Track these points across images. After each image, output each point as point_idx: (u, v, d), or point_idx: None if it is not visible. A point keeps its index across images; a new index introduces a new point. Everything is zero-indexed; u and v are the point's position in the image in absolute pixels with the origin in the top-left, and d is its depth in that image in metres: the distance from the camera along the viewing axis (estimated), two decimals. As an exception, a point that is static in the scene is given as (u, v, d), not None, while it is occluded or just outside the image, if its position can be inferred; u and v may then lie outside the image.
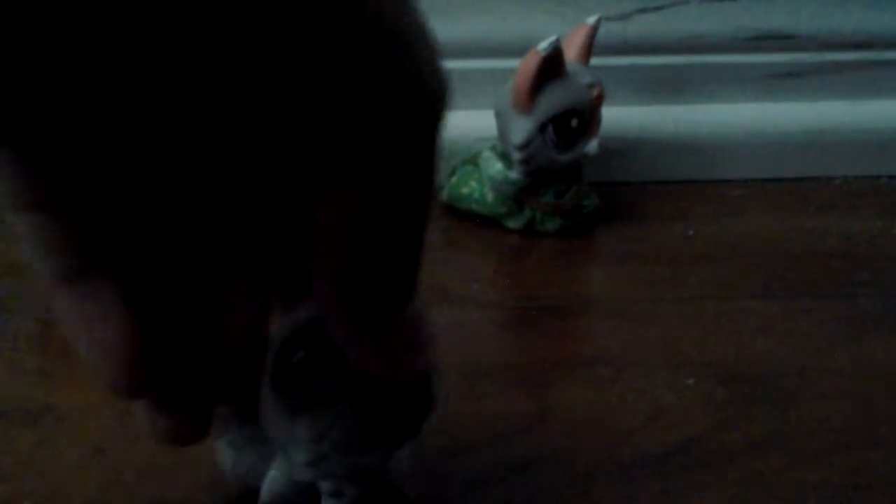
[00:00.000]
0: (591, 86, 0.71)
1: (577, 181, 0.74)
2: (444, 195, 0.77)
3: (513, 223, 0.74)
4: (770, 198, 0.81)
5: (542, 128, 0.70)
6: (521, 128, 0.70)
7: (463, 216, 0.76)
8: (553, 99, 0.69)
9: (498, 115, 0.72)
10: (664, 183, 0.83)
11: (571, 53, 0.71)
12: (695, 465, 0.51)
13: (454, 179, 0.76)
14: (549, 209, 0.74)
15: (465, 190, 0.75)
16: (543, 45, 0.68)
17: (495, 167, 0.73)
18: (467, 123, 0.79)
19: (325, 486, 0.42)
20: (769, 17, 0.81)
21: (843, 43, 0.83)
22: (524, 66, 0.69)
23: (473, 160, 0.76)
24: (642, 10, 0.80)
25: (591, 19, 0.72)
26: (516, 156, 0.71)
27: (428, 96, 0.28)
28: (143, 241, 0.29)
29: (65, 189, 0.27)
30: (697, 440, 0.53)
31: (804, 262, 0.71)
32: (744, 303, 0.66)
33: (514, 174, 0.72)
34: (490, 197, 0.74)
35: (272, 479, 0.43)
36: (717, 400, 0.56)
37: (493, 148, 0.74)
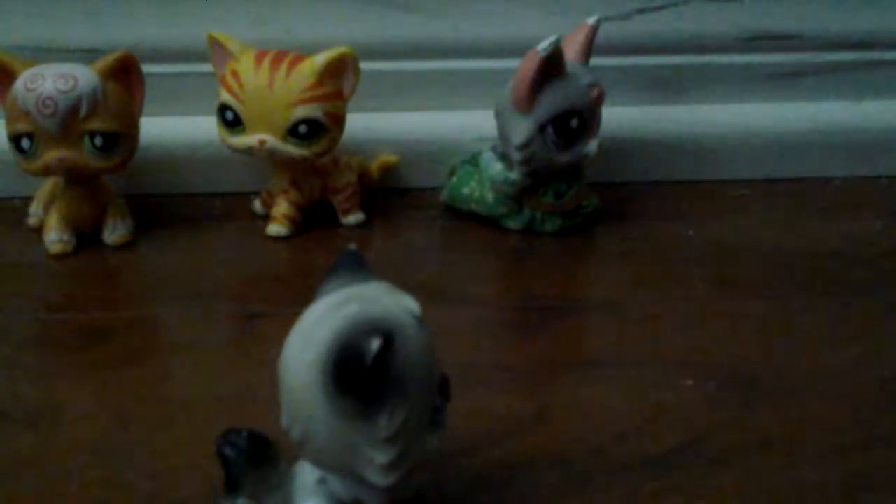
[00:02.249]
0: (591, 86, 0.71)
1: (577, 181, 0.74)
2: (445, 195, 0.77)
3: (513, 223, 0.74)
4: (770, 198, 0.81)
5: (541, 128, 0.70)
6: (521, 128, 0.70)
7: (463, 217, 0.76)
8: (553, 99, 0.69)
9: (498, 116, 0.72)
10: (664, 183, 0.83)
11: (571, 53, 0.71)
12: (694, 465, 0.51)
13: (454, 180, 0.76)
14: (550, 209, 0.74)
15: (465, 190, 0.75)
16: (543, 46, 0.67)
17: (495, 168, 0.73)
18: (467, 123, 0.79)
19: None
20: (769, 17, 0.81)
21: (842, 43, 0.83)
22: (524, 67, 0.69)
23: (473, 160, 0.76)
24: (642, 11, 0.80)
25: (591, 19, 0.72)
26: (516, 156, 0.71)
27: None
28: None
29: None
30: (696, 440, 0.53)
31: (804, 261, 0.71)
32: (743, 303, 0.66)
33: (514, 174, 0.72)
34: (490, 197, 0.74)
35: None
36: (716, 400, 0.56)
37: (493, 148, 0.74)
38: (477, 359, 0.60)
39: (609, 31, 0.76)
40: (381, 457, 0.38)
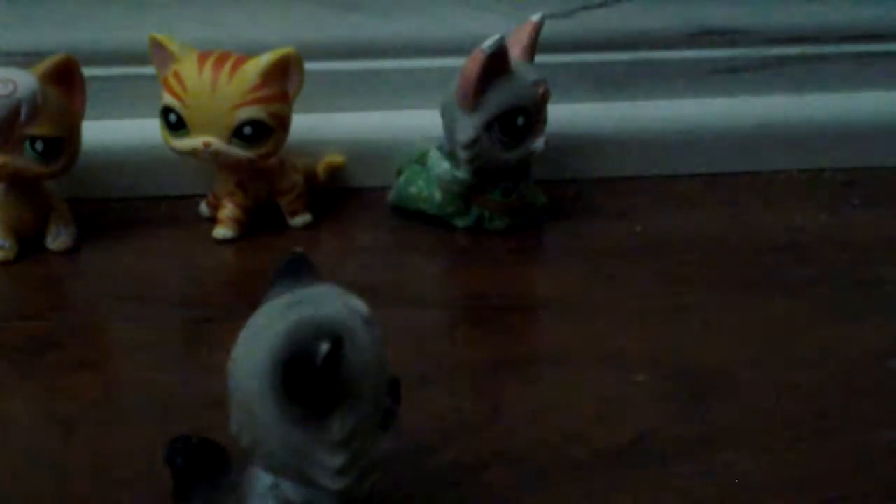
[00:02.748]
0: (536, 83, 0.71)
1: (524, 179, 0.74)
2: (392, 196, 0.76)
3: (461, 222, 0.74)
4: (716, 192, 0.81)
5: (487, 126, 0.69)
6: (467, 126, 0.70)
7: (411, 216, 0.76)
8: (498, 97, 0.69)
9: (444, 114, 0.72)
10: (611, 179, 0.83)
11: (516, 51, 0.71)
12: (647, 461, 0.51)
13: (401, 180, 0.76)
14: (497, 207, 0.73)
15: (412, 190, 0.75)
16: (488, 44, 0.67)
17: (442, 167, 0.73)
18: (413, 123, 0.79)
19: None
20: (712, 13, 0.82)
21: (785, 38, 0.83)
22: (469, 65, 0.69)
23: (421, 160, 0.75)
24: (586, 7, 0.80)
25: (535, 17, 0.72)
26: (463, 154, 0.71)
27: None
28: None
29: None
30: (648, 436, 0.53)
31: (751, 255, 0.71)
32: (692, 297, 0.66)
33: (462, 173, 0.72)
34: (438, 196, 0.74)
35: None
36: (667, 395, 0.56)
37: (439, 147, 0.74)
38: (428, 359, 0.59)
39: (553, 29, 0.76)
40: (333, 461, 0.38)
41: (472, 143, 0.70)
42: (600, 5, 0.81)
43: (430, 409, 0.54)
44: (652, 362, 0.59)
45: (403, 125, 0.80)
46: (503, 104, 0.70)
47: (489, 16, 0.79)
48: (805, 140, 0.84)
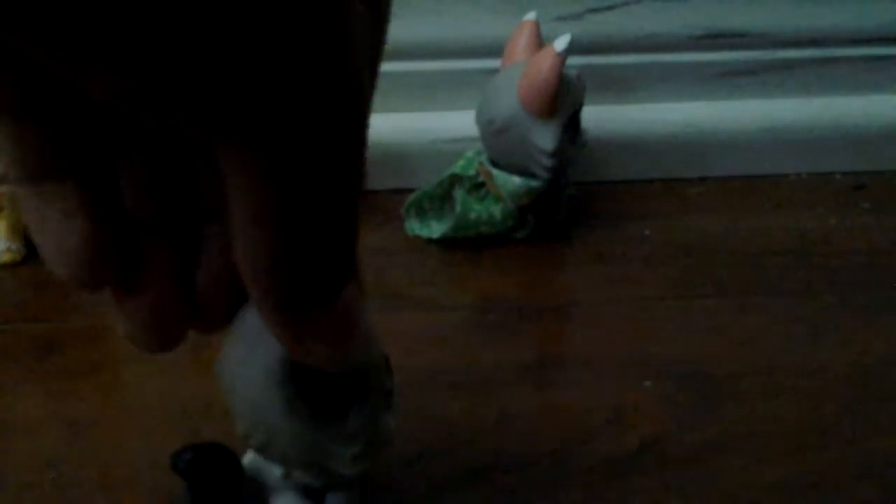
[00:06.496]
0: (578, 76, 0.69)
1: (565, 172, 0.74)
2: (445, 231, 0.73)
3: (521, 234, 0.73)
4: (725, 196, 0.81)
5: (565, 128, 0.69)
6: (550, 133, 0.68)
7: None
8: (568, 96, 0.69)
9: (505, 130, 0.70)
10: (618, 183, 0.82)
11: (523, 54, 0.71)
12: (654, 467, 0.51)
13: (458, 210, 0.72)
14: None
15: (472, 216, 0.72)
16: (561, 45, 0.66)
17: (514, 182, 0.71)
18: (422, 125, 0.79)
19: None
20: (721, 15, 0.82)
21: (794, 41, 0.83)
22: (546, 70, 0.67)
23: (441, 188, 0.73)
24: (594, 10, 0.80)
25: (530, 16, 0.72)
26: (548, 162, 0.69)
27: (356, 82, 0.26)
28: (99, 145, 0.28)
29: (35, 93, 0.26)
30: (656, 441, 0.53)
31: (760, 259, 0.71)
32: (700, 302, 0.66)
33: (536, 182, 0.70)
34: (498, 215, 0.72)
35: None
36: (675, 401, 0.56)
37: (492, 163, 0.72)
38: (437, 363, 0.59)
39: (561, 31, 0.76)
40: (349, 450, 0.38)
41: (560, 149, 0.69)
42: (608, 8, 0.80)
43: (437, 412, 0.54)
44: (660, 367, 0.59)
45: (412, 127, 0.80)
46: (574, 102, 0.69)
47: (499, 18, 0.79)
48: (814, 143, 0.84)
